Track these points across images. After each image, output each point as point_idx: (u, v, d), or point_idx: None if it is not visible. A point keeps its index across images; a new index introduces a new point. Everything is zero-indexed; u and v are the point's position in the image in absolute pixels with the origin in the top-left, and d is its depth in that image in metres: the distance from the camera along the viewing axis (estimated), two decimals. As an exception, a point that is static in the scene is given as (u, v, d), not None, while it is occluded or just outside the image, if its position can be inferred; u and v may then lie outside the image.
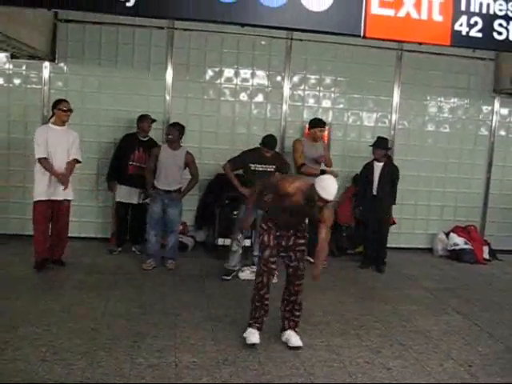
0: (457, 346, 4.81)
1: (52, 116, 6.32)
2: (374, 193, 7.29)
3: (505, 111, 8.83)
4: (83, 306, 5.20)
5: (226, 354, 4.27)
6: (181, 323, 4.91)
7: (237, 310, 5.32)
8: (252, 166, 6.42)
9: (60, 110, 6.23)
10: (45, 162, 6.09)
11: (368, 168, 7.38)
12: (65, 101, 6.35)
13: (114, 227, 7.38)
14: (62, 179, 6.14)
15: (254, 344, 4.44)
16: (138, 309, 5.21)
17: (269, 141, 6.45)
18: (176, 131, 6.60)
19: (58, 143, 6.17)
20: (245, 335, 4.54)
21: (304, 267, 4.63)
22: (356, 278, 6.91)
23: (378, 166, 7.29)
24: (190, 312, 5.22)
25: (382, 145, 7.31)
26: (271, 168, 6.46)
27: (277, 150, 6.98)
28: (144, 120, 7.09)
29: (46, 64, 7.52)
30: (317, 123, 7.20)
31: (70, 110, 6.30)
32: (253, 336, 4.50)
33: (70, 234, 6.63)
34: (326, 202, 4.29)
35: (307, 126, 7.37)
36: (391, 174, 7.32)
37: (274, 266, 4.58)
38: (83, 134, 7.46)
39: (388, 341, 4.83)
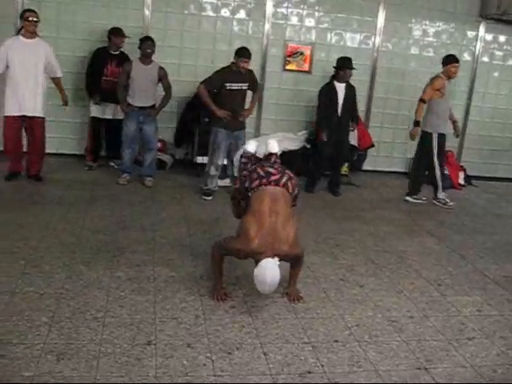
0: (428, 266, 4.96)
1: (22, 28, 6.10)
2: (340, 114, 7.07)
3: (489, 37, 8.72)
4: (62, 220, 5.21)
5: (203, 269, 4.34)
6: (159, 239, 4.97)
7: (215, 227, 5.40)
8: (227, 85, 6.18)
9: (25, 21, 5.99)
10: None
11: (330, 89, 7.04)
12: (30, 10, 6.11)
13: (88, 143, 7.31)
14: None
15: None
16: (117, 224, 5.24)
17: (244, 51, 6.17)
18: (153, 46, 6.48)
19: (26, 55, 5.99)
20: None
21: None
22: (333, 199, 7.02)
23: (341, 87, 7.03)
24: (169, 228, 5.28)
25: (351, 65, 6.99)
26: (245, 86, 6.31)
27: (257, 68, 6.90)
28: (118, 34, 6.94)
29: (19, -28, 7.16)
30: (450, 59, 6.90)
31: (36, 21, 6.03)
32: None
33: (47, 151, 6.58)
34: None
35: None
36: (354, 95, 7.17)
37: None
38: (58, 47, 7.22)
39: (362, 259, 4.96)
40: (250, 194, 3.87)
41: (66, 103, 6.57)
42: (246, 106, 6.47)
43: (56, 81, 6.41)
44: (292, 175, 3.96)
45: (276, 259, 3.55)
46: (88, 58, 7.18)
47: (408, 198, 7.22)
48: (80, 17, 7.36)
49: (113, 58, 6.97)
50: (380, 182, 8.16)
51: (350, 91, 7.10)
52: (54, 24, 7.26)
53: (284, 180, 3.84)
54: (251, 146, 4.59)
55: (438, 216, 6.70)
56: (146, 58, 6.47)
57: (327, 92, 7.07)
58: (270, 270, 3.49)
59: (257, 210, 3.73)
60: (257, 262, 3.58)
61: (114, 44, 6.96)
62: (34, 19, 6.02)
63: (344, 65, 6.98)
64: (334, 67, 7.11)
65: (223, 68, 6.33)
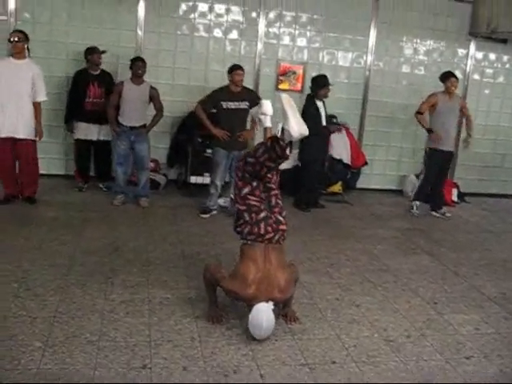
0: (424, 285, 4.94)
1: None
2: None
3: (480, 55, 8.81)
4: (55, 242, 5.17)
5: (198, 290, 4.31)
6: (154, 260, 4.93)
7: (209, 247, 5.37)
8: (223, 104, 6.25)
9: (8, 42, 5.98)
10: None
11: (316, 107, 7.05)
12: (15, 31, 6.08)
13: (75, 164, 7.28)
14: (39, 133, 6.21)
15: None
16: (111, 245, 5.21)
17: (234, 64, 6.34)
18: (144, 67, 6.50)
19: (13, 76, 5.92)
20: None
21: None
22: (327, 218, 7.00)
23: (320, 104, 7.10)
24: (163, 249, 5.25)
25: (328, 82, 7.07)
26: (244, 105, 6.31)
27: (250, 87, 6.93)
28: (93, 52, 6.88)
29: (12, -6, 7.17)
30: (445, 75, 7.23)
31: (17, 41, 5.92)
32: None
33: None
34: None
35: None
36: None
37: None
38: (51, 68, 7.25)
39: (358, 278, 4.94)
40: (243, 241, 3.87)
41: (39, 137, 6.27)
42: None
43: (35, 105, 6.12)
44: (285, 228, 3.88)
45: (270, 303, 3.60)
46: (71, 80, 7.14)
47: (433, 213, 7.60)
48: (73, 38, 7.37)
49: (94, 78, 6.93)
50: (373, 199, 8.17)
51: (325, 108, 7.15)
52: (45, 45, 7.27)
53: (276, 238, 3.82)
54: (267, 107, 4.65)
55: (432, 233, 6.69)
56: (137, 78, 6.49)
57: (314, 108, 7.02)
58: (265, 314, 3.53)
59: (251, 256, 3.75)
60: (249, 306, 3.61)
61: (92, 63, 6.91)
62: (15, 39, 5.93)
63: (327, 83, 7.03)
64: (313, 87, 7.10)
65: (221, 87, 6.41)
